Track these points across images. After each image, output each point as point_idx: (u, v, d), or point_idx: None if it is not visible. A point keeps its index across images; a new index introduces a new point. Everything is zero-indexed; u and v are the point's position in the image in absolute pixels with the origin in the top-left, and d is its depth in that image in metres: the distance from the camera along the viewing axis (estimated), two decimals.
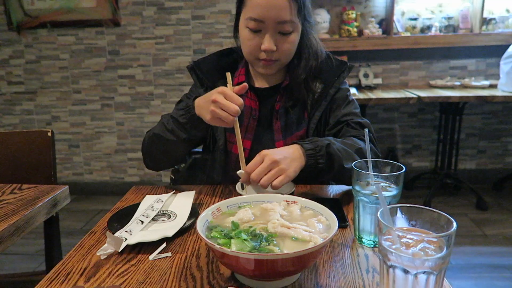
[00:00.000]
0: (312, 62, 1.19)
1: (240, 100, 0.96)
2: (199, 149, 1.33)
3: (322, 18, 3.02)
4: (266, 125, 1.21)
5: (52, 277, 0.71)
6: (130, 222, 0.88)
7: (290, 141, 1.17)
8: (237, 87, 0.98)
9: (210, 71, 1.25)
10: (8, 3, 3.11)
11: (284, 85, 1.20)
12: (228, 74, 0.99)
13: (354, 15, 3.05)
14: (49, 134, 1.36)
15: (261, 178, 0.92)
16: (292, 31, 1.09)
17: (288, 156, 0.95)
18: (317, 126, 1.19)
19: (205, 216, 0.75)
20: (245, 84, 0.99)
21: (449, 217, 0.57)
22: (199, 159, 1.33)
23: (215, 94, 0.96)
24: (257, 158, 0.94)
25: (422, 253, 0.54)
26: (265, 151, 0.95)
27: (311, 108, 1.20)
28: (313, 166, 0.98)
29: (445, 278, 0.69)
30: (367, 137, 0.83)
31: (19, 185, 1.13)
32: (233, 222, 0.75)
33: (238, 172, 1.00)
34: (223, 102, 0.95)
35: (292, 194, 0.96)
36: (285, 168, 0.93)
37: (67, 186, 1.13)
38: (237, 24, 1.17)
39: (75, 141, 3.44)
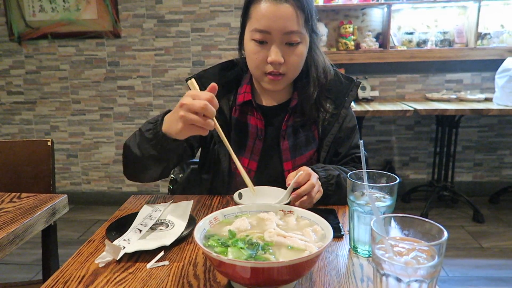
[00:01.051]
0: (322, 80, 1.16)
1: (209, 95, 0.86)
2: (197, 159, 1.33)
3: (320, 32, 3.07)
4: (273, 145, 1.17)
5: (51, 285, 0.72)
6: (129, 230, 0.89)
7: (300, 162, 1.17)
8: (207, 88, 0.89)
9: None
10: (10, 14, 3.15)
11: (293, 105, 1.16)
12: (192, 81, 0.93)
13: (351, 29, 3.10)
14: (49, 143, 1.38)
15: (309, 191, 0.96)
16: (299, 42, 1.05)
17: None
18: (329, 148, 1.18)
19: (203, 225, 0.76)
20: (213, 84, 0.89)
21: (441, 226, 0.59)
22: (196, 171, 1.33)
23: (183, 98, 0.87)
24: (305, 173, 0.98)
25: (414, 261, 0.56)
26: (306, 168, 1.00)
27: (323, 129, 1.18)
28: (323, 192, 1.03)
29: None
30: (362, 148, 0.85)
31: (18, 193, 1.14)
32: (230, 231, 0.76)
33: (235, 197, 1.01)
34: (191, 102, 0.85)
35: (288, 204, 0.98)
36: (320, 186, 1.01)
37: (66, 195, 1.13)
38: (241, 37, 1.13)
39: (74, 151, 3.45)
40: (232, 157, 0.96)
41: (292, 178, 0.98)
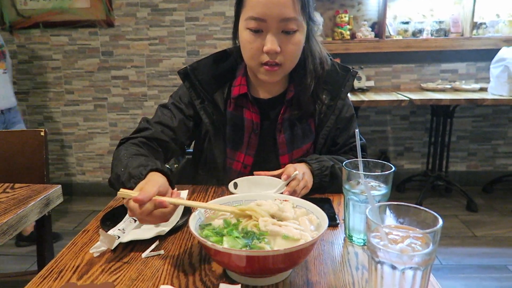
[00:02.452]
0: (319, 71, 1.13)
1: (138, 213, 0.73)
2: (191, 149, 1.32)
3: (318, 20, 3.05)
4: (269, 138, 1.15)
5: (45, 275, 0.72)
6: (123, 220, 0.88)
7: (297, 155, 1.15)
8: (137, 198, 0.73)
9: (206, 80, 1.14)
10: (1, 3, 3.09)
11: (290, 97, 1.13)
12: (122, 191, 0.78)
13: (347, 19, 3.08)
14: (42, 133, 1.36)
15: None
16: (296, 30, 1.01)
17: (307, 172, 1.04)
18: (325, 141, 1.17)
19: (198, 215, 0.75)
20: (138, 198, 0.72)
21: (436, 214, 0.59)
22: (190, 161, 1.32)
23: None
24: (290, 169, 0.99)
25: (410, 248, 0.56)
26: (294, 165, 1.02)
27: (319, 121, 1.16)
28: (318, 184, 1.04)
29: (434, 278, 0.70)
30: (358, 137, 0.84)
31: (12, 184, 1.13)
32: (225, 220, 0.75)
33: (230, 186, 1.01)
34: (137, 215, 0.74)
35: (282, 193, 0.98)
36: (309, 181, 1.02)
37: (59, 186, 1.13)
38: (236, 27, 1.08)
39: (68, 141, 3.42)
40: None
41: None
